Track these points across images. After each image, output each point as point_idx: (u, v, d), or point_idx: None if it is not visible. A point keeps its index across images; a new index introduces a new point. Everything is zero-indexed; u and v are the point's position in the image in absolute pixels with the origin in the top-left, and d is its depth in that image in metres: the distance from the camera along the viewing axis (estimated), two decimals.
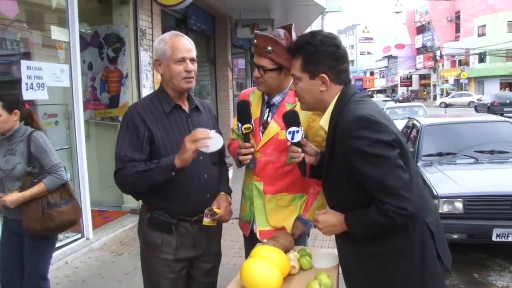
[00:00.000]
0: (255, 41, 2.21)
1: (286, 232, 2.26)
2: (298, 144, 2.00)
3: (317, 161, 2.02)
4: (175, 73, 2.08)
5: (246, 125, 2.21)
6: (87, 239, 4.95)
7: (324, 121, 1.82)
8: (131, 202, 6.07)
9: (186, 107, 2.21)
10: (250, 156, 2.23)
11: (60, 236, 4.67)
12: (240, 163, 2.31)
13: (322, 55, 1.75)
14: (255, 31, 2.30)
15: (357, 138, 1.60)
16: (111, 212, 6.01)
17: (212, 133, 1.94)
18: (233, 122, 2.43)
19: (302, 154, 2.00)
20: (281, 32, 2.20)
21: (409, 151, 1.75)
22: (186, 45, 2.10)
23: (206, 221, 2.16)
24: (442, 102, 37.33)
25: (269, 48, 2.15)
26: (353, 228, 1.73)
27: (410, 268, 1.69)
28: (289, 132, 1.99)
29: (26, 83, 4.05)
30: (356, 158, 1.62)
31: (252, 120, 2.30)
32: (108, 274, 4.22)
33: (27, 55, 4.89)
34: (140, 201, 6.05)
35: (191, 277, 2.26)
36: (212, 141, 1.93)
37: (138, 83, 5.83)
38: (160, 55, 2.10)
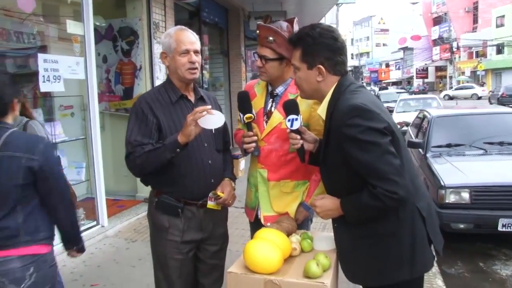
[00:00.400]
0: (257, 31, 2.31)
1: (290, 216, 2.36)
2: (297, 131, 2.10)
3: (315, 148, 2.12)
4: (179, 64, 2.20)
5: (247, 115, 2.30)
6: (102, 226, 5.12)
7: (321, 110, 1.92)
8: (145, 191, 6.20)
9: (192, 97, 2.33)
10: (253, 144, 2.32)
11: None
12: (245, 151, 2.41)
13: (320, 46, 1.85)
14: (258, 22, 2.39)
15: (350, 126, 1.70)
16: (125, 201, 6.17)
17: (214, 110, 2.06)
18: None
19: (301, 141, 2.10)
20: (284, 24, 2.29)
21: (402, 139, 1.84)
22: (190, 38, 2.23)
23: (210, 204, 2.28)
24: (446, 95, 37.19)
25: (270, 38, 2.24)
26: (348, 212, 1.83)
27: (400, 250, 1.79)
28: (289, 120, 2.09)
29: (43, 76, 4.19)
30: (349, 145, 1.72)
31: (253, 110, 2.39)
32: (122, 260, 4.38)
33: (43, 48, 5.05)
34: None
35: (198, 259, 2.38)
36: (213, 117, 2.03)
37: (152, 75, 5.96)
38: (166, 48, 2.24)
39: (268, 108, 2.42)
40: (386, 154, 1.68)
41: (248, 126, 2.34)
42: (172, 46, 2.20)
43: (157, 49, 6.02)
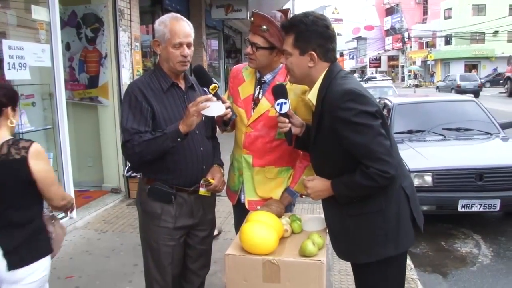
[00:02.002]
0: (252, 18, 2.33)
1: (277, 200, 2.43)
2: (286, 115, 2.16)
3: (302, 132, 2.20)
4: (172, 56, 2.19)
5: (211, 86, 2.25)
6: (71, 218, 4.98)
7: (312, 95, 2.00)
8: (111, 181, 6.14)
9: (182, 85, 2.34)
10: (229, 110, 2.28)
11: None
12: (224, 125, 2.42)
13: (312, 33, 1.92)
14: (253, 10, 2.42)
15: (344, 109, 1.79)
16: (91, 192, 6.05)
17: (214, 98, 2.10)
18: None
19: (289, 125, 2.17)
20: (278, 14, 2.33)
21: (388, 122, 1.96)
22: (185, 30, 2.20)
23: (202, 191, 2.32)
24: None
25: (264, 27, 2.27)
26: (339, 192, 1.93)
27: (386, 227, 1.91)
28: (278, 104, 2.15)
29: (8, 63, 4.04)
30: (343, 127, 1.81)
31: (242, 96, 2.44)
32: (95, 251, 4.32)
33: (3, 35, 4.84)
34: (122, 180, 6.09)
35: (188, 244, 2.42)
36: (213, 104, 2.08)
37: (118, 63, 5.83)
38: (159, 37, 2.21)
39: (256, 95, 2.47)
40: (378, 136, 1.79)
41: (216, 97, 2.29)
42: (166, 36, 2.18)
43: (123, 37, 5.90)
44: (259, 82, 2.48)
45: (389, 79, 28.96)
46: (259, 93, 2.47)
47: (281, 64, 2.41)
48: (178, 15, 2.26)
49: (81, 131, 6.18)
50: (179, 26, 2.19)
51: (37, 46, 4.52)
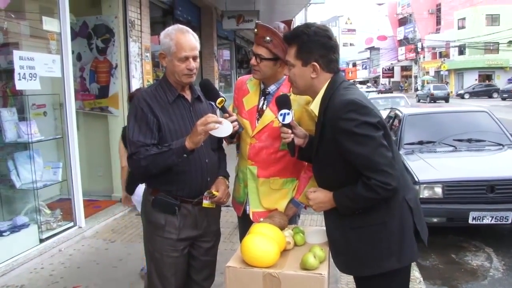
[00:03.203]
0: (255, 30, 2.33)
1: (281, 212, 2.41)
2: (289, 125, 2.15)
3: (305, 143, 2.19)
4: (177, 69, 2.19)
5: (218, 100, 2.26)
6: (80, 227, 5.04)
7: (314, 106, 1.99)
8: (121, 191, 6.14)
9: (188, 96, 2.33)
10: (236, 123, 2.27)
11: (53, 224, 4.77)
12: (230, 137, 2.40)
13: (315, 44, 1.92)
14: (256, 21, 2.43)
15: (346, 120, 1.78)
16: (101, 202, 6.08)
17: (222, 119, 2.10)
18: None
19: (292, 135, 2.16)
20: (281, 25, 2.34)
21: (390, 133, 1.93)
22: (191, 43, 2.19)
23: (206, 203, 2.31)
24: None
25: (268, 38, 2.28)
26: (340, 203, 1.91)
27: (389, 240, 1.88)
28: (281, 114, 2.14)
29: (19, 73, 4.10)
30: (345, 138, 1.79)
31: (247, 107, 2.44)
32: (102, 261, 4.33)
33: (15, 46, 4.92)
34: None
35: (192, 256, 2.40)
36: (221, 126, 2.08)
37: (128, 73, 5.89)
38: (165, 50, 2.20)
39: (260, 106, 2.46)
40: (380, 147, 1.77)
41: (223, 110, 2.31)
42: (172, 50, 2.17)
43: (133, 47, 5.97)
44: (264, 93, 2.48)
45: (373, 91, 31.60)
46: (263, 104, 2.46)
47: (285, 75, 2.41)
48: (184, 27, 2.25)
49: (92, 140, 6.23)
50: (184, 39, 2.18)
51: (48, 57, 4.58)
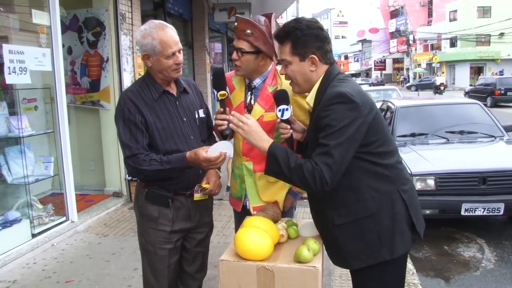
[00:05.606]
0: (236, 23, 2.31)
1: (274, 204, 2.41)
2: (287, 121, 2.14)
3: (303, 137, 2.17)
4: (166, 66, 2.17)
5: (221, 92, 2.27)
6: (72, 222, 5.01)
7: (310, 98, 1.97)
8: (113, 185, 6.14)
9: (174, 90, 2.32)
10: (225, 122, 2.25)
11: (45, 219, 4.74)
12: (222, 134, 2.39)
13: (309, 37, 1.89)
14: (236, 15, 2.40)
15: (327, 111, 1.75)
16: (93, 196, 6.05)
17: (222, 145, 2.13)
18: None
19: (291, 131, 2.14)
20: (262, 18, 2.31)
21: (386, 126, 1.92)
22: (174, 37, 2.17)
23: (197, 196, 2.32)
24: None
25: (248, 31, 2.25)
26: (273, 158, 1.84)
27: (379, 230, 1.86)
28: (279, 110, 2.12)
29: (9, 67, 4.05)
30: (322, 125, 1.77)
31: (234, 104, 2.42)
32: (95, 255, 4.31)
33: (4, 39, 4.85)
34: (124, 184, 6.08)
35: (184, 247, 2.41)
36: (221, 147, 2.14)
37: (119, 67, 5.83)
38: (149, 50, 2.15)
39: (248, 101, 2.44)
40: (349, 146, 1.74)
41: (221, 103, 2.31)
42: (157, 49, 2.13)
43: (124, 41, 5.91)
44: (249, 88, 2.45)
45: (365, 83, 32.83)
46: (250, 99, 2.44)
47: (269, 68, 2.40)
48: (160, 22, 2.20)
49: (83, 134, 6.19)
50: (166, 36, 2.15)
51: (38, 50, 4.52)
